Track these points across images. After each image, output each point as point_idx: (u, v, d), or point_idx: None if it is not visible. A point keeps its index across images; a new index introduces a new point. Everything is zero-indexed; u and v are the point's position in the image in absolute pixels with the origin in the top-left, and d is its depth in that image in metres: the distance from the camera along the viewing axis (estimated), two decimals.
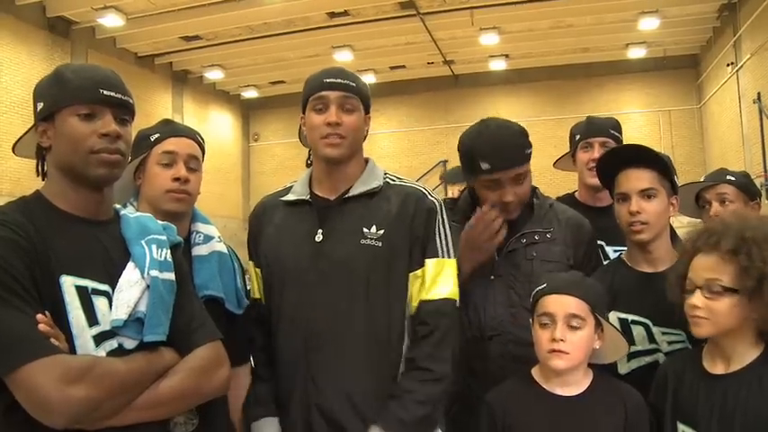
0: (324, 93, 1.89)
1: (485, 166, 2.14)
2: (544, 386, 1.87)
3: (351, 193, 1.92)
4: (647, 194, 2.03)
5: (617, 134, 2.86)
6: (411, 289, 1.88)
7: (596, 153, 2.76)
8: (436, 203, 1.94)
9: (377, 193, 1.92)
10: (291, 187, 2.03)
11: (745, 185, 2.81)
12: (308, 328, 1.84)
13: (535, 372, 1.91)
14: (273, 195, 2.07)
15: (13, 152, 1.71)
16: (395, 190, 1.93)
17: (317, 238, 1.88)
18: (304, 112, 1.96)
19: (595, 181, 2.79)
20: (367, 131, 1.98)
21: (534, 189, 2.38)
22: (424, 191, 1.95)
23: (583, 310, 1.82)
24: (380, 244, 1.84)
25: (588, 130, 2.89)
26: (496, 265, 2.21)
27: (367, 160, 2.01)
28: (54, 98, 1.47)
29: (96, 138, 1.45)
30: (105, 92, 1.47)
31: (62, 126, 1.46)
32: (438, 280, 1.88)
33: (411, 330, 1.89)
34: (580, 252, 2.27)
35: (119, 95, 1.50)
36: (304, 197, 1.96)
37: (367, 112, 1.97)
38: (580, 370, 1.86)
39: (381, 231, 1.85)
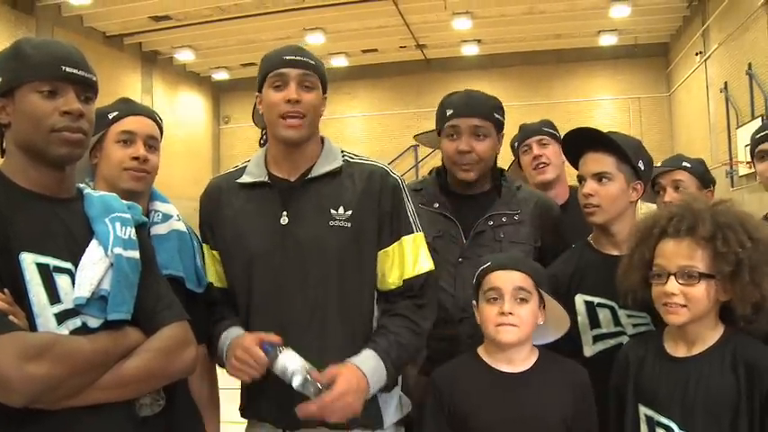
0: (283, 70, 1.85)
1: (449, 112, 2.28)
2: (490, 363, 1.90)
3: (313, 174, 1.89)
4: (600, 178, 2.06)
5: (551, 130, 3.01)
6: (382, 266, 1.89)
7: (536, 150, 2.90)
8: (399, 180, 1.95)
9: (339, 172, 1.90)
10: (245, 168, 1.99)
11: (701, 173, 2.85)
12: (282, 315, 1.82)
13: (481, 350, 1.94)
14: (226, 176, 2.02)
15: None
16: (356, 168, 1.93)
17: (282, 221, 1.86)
18: (260, 91, 1.92)
19: (543, 178, 2.88)
20: (323, 111, 1.95)
21: (501, 171, 2.40)
22: (385, 168, 1.96)
23: (528, 285, 1.87)
24: (349, 224, 1.83)
25: (523, 135, 3.10)
26: (464, 248, 2.23)
27: (323, 139, 1.99)
28: (14, 73, 1.42)
29: (58, 116, 1.41)
30: (68, 69, 1.43)
31: (22, 103, 1.41)
32: (418, 255, 1.91)
33: (380, 307, 1.91)
34: (548, 234, 2.30)
35: (82, 72, 1.45)
36: (262, 179, 1.92)
37: (324, 91, 1.94)
38: (526, 346, 1.90)
39: (349, 212, 1.84)
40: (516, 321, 1.83)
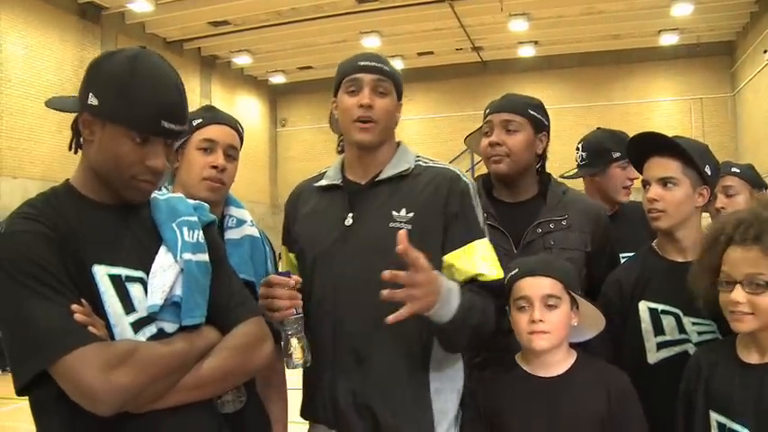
0: (358, 75, 1.90)
1: (486, 111, 2.35)
2: (526, 369, 1.89)
3: (381, 177, 1.91)
4: (665, 183, 2.02)
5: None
6: (449, 271, 1.83)
7: (631, 173, 2.74)
8: (470, 185, 1.92)
9: (407, 175, 1.90)
10: (325, 173, 2.03)
11: (751, 176, 2.78)
12: (336, 312, 1.83)
13: (518, 356, 1.93)
14: (308, 181, 2.07)
15: (46, 104, 1.62)
16: (426, 172, 1.92)
17: (346, 222, 1.88)
18: (336, 96, 1.96)
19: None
20: (398, 118, 1.97)
21: (549, 176, 2.36)
22: (457, 172, 1.93)
23: (557, 290, 1.84)
24: (410, 226, 1.80)
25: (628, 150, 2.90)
26: (515, 258, 2.20)
27: (398, 144, 2.00)
28: (113, 107, 1.39)
29: (142, 166, 1.42)
30: (167, 124, 1.41)
31: (111, 139, 1.40)
32: (488, 260, 1.86)
33: None
34: (597, 239, 2.26)
35: (178, 128, 1.44)
36: (336, 182, 1.96)
37: (399, 98, 1.97)
38: (561, 350, 1.87)
39: (411, 214, 1.83)
40: (548, 328, 1.81)
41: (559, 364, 1.87)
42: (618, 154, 2.82)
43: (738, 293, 1.66)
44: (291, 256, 2.02)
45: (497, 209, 2.29)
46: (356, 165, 1.96)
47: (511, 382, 1.88)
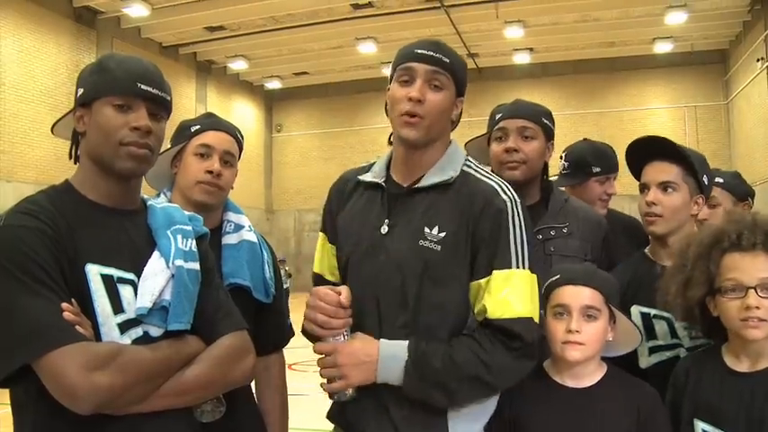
0: (412, 64, 1.70)
1: (498, 116, 2.30)
2: (555, 378, 1.84)
3: (421, 184, 1.73)
4: (665, 187, 2.03)
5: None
6: (474, 300, 1.67)
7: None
8: (508, 203, 1.69)
9: (449, 184, 1.72)
10: (373, 165, 1.87)
11: (734, 186, 2.77)
12: (361, 318, 1.71)
13: (547, 364, 1.88)
14: (356, 170, 1.91)
15: (52, 131, 1.72)
16: (469, 185, 1.73)
17: (382, 230, 1.74)
18: (390, 84, 1.80)
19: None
20: (458, 117, 1.80)
21: (550, 184, 2.36)
22: (497, 187, 1.71)
23: (598, 302, 1.79)
24: (439, 248, 1.66)
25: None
26: None
27: (449, 143, 1.81)
28: (93, 86, 1.48)
29: (127, 130, 1.46)
30: (143, 86, 1.47)
31: (97, 114, 1.47)
32: (513, 294, 1.63)
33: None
34: (597, 248, 2.26)
35: (155, 90, 1.50)
36: (379, 180, 1.80)
37: (460, 93, 1.78)
38: (593, 362, 1.83)
39: (443, 234, 1.66)
40: (583, 339, 1.76)
41: (589, 376, 1.82)
42: (597, 169, 2.84)
43: (754, 298, 1.65)
44: (330, 246, 1.88)
45: None
46: (401, 163, 1.79)
47: (538, 391, 1.83)
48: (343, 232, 1.83)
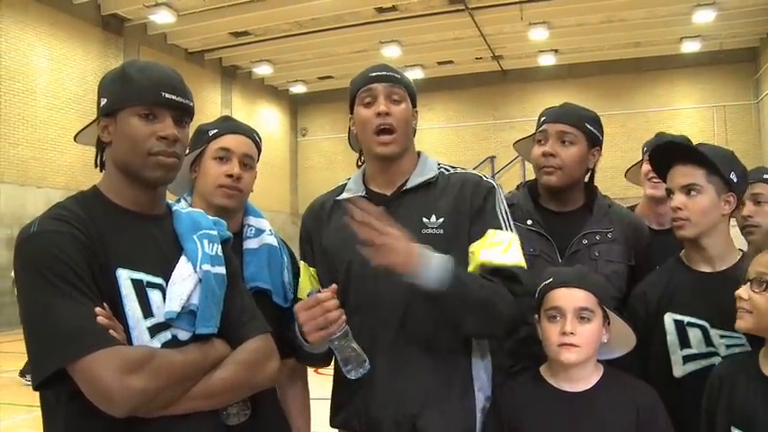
0: (371, 85, 1.90)
1: (542, 119, 2.33)
2: (551, 382, 1.85)
3: (408, 186, 1.91)
4: (688, 190, 1.99)
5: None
6: (471, 259, 1.81)
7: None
8: (494, 184, 1.92)
9: (433, 183, 1.91)
10: (344, 186, 2.02)
11: None
12: (372, 319, 1.83)
13: (543, 368, 1.90)
14: (327, 195, 2.06)
15: (75, 140, 1.75)
16: (451, 178, 1.93)
17: None
18: (352, 113, 1.96)
19: (654, 192, 2.74)
20: (415, 125, 1.97)
21: (594, 189, 2.35)
22: (480, 175, 1.95)
23: (591, 303, 1.80)
24: (442, 231, 1.83)
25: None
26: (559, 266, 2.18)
27: (419, 154, 2.00)
28: (117, 96, 1.50)
29: (155, 140, 1.47)
30: (167, 94, 1.49)
31: (123, 124, 1.48)
32: (503, 247, 1.80)
33: None
34: (640, 253, 2.25)
35: (179, 98, 1.52)
36: (360, 194, 1.94)
37: (414, 105, 1.96)
38: (589, 365, 1.83)
39: (441, 219, 1.84)
40: (578, 341, 1.77)
41: (586, 379, 1.83)
42: (646, 148, 2.86)
43: None
44: (312, 270, 2.00)
45: (543, 217, 2.29)
46: (379, 176, 1.95)
47: (534, 395, 1.85)
48: (332, 247, 1.93)
